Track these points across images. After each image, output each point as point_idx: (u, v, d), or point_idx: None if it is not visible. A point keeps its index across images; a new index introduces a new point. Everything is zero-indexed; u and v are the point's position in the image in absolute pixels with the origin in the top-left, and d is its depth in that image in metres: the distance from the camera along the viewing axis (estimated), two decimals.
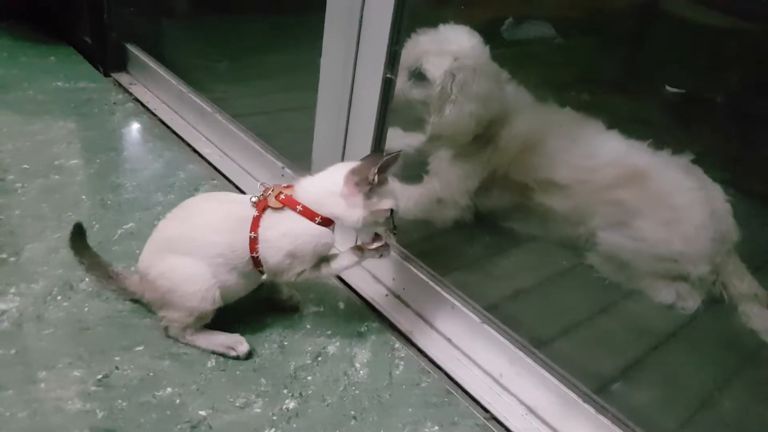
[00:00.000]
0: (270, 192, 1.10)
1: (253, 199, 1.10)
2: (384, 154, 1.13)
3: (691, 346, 1.47)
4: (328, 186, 1.08)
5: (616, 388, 1.26)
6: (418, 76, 1.52)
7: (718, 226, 1.55)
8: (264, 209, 1.09)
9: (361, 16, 1.22)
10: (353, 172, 1.06)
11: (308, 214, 1.08)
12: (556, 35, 2.66)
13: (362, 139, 1.31)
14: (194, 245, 1.08)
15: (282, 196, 1.09)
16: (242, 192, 1.62)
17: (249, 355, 1.13)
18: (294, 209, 1.08)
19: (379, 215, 1.09)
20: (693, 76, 2.30)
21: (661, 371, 1.36)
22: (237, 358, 1.12)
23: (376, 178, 1.05)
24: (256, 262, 1.09)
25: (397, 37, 1.21)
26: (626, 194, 1.58)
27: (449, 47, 1.54)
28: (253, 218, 1.08)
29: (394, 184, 1.12)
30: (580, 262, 1.62)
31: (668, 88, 2.46)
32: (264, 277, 1.13)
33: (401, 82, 1.50)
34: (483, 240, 1.72)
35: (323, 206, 1.08)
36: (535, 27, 2.69)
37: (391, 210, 1.11)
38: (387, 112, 1.29)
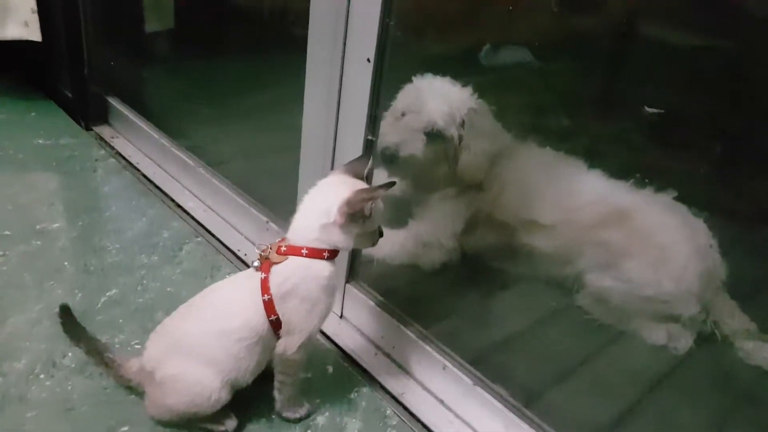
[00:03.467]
0: (269, 250, 1.08)
1: (255, 264, 1.08)
2: (368, 158, 1.14)
3: (686, 388, 1.45)
4: (320, 219, 1.04)
5: None
6: (432, 135, 1.56)
7: (705, 263, 1.55)
8: (270, 268, 1.06)
9: (341, 80, 1.22)
10: (348, 204, 1.01)
11: (315, 253, 1.04)
12: (533, 60, 2.68)
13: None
14: (204, 347, 1.05)
15: (283, 248, 1.06)
16: (227, 248, 1.61)
17: (236, 431, 1.11)
18: (300, 255, 1.04)
19: (369, 235, 1.08)
20: (672, 96, 2.32)
21: (657, 416, 1.34)
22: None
23: (372, 212, 1.03)
24: (275, 326, 1.06)
25: (377, 100, 1.21)
26: (611, 234, 1.59)
27: (452, 99, 1.59)
28: (261, 281, 1.05)
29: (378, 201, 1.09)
30: (569, 303, 1.62)
31: (647, 108, 2.48)
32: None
33: (417, 145, 1.54)
34: (471, 282, 1.72)
35: (324, 241, 1.05)
36: (512, 52, 2.70)
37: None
38: (371, 175, 1.28)
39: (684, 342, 1.53)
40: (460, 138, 1.59)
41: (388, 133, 1.55)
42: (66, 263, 1.46)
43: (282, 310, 1.04)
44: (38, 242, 1.52)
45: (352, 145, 1.25)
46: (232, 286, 1.11)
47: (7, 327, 1.26)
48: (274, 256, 1.06)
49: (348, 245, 1.06)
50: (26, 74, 2.35)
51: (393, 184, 1.03)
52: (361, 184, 1.07)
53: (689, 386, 1.46)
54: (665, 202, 1.67)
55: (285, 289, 1.04)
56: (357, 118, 1.22)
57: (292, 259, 1.05)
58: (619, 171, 1.70)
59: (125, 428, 1.09)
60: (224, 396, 1.05)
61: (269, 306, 1.04)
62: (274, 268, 1.05)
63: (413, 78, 1.63)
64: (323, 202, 1.05)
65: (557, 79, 2.54)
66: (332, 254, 1.06)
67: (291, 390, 1.12)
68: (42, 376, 1.17)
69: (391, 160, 1.55)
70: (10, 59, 2.25)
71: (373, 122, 1.23)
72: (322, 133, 1.29)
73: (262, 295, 1.04)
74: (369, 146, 1.25)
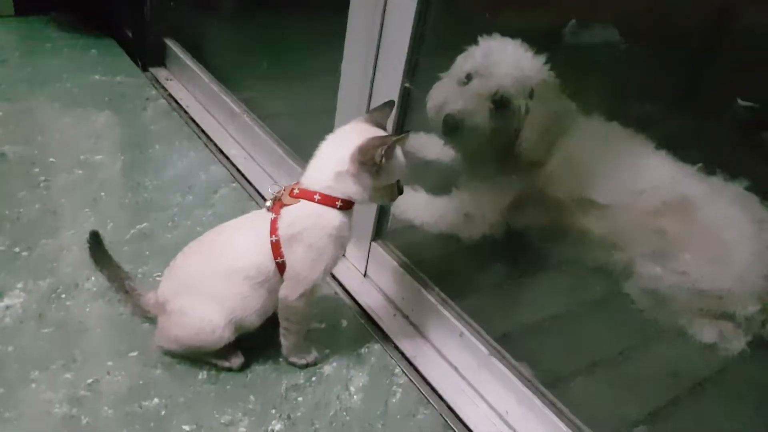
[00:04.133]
0: (282, 191, 1.04)
1: (268, 204, 1.05)
2: (392, 107, 1.07)
3: (730, 393, 1.33)
4: (335, 167, 0.99)
5: None
6: (499, 103, 1.41)
7: None
8: (281, 209, 1.02)
9: (382, 25, 1.16)
10: (360, 151, 0.97)
11: (328, 201, 1.00)
12: (621, 40, 2.52)
13: None
14: (210, 284, 1.03)
15: (296, 191, 1.02)
16: (261, 195, 1.59)
17: (241, 368, 1.09)
18: (312, 200, 1.00)
19: (386, 189, 1.03)
20: None
21: (690, 419, 1.24)
22: (230, 369, 1.09)
23: (383, 160, 0.97)
24: (281, 268, 1.03)
25: (418, 47, 1.14)
26: (671, 223, 1.46)
27: (524, 65, 1.44)
28: (271, 221, 1.02)
29: (399, 153, 1.02)
30: (616, 291, 1.51)
31: (740, 101, 2.30)
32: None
33: (484, 115, 1.41)
34: (511, 260, 1.63)
35: (337, 190, 1.00)
36: (599, 31, 2.56)
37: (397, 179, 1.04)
38: (405, 123, 1.22)
39: (736, 343, 1.40)
40: (527, 110, 1.46)
41: (452, 100, 1.43)
42: (103, 194, 1.48)
43: (288, 254, 1.01)
44: (80, 171, 1.55)
45: (389, 92, 1.19)
46: (242, 224, 1.09)
47: (38, 248, 1.29)
48: (286, 198, 1.02)
49: (362, 197, 1.01)
50: (92, 11, 2.39)
51: (407, 134, 0.97)
52: (380, 133, 1.02)
53: (733, 391, 1.33)
54: (735, 193, 1.53)
55: (292, 231, 1.00)
56: (396, 63, 1.15)
57: (304, 204, 1.01)
58: (694, 160, 1.57)
59: (134, 353, 1.10)
60: (228, 334, 1.03)
61: (276, 247, 1.01)
62: (285, 210, 1.01)
63: (480, 38, 1.49)
64: (339, 149, 1.01)
65: (645, 63, 2.38)
66: (346, 204, 1.01)
67: (294, 337, 1.09)
68: (63, 296, 1.19)
69: (453, 130, 1.42)
70: None
71: (413, 70, 1.16)
72: (359, 77, 1.24)
73: (270, 236, 1.01)
74: (407, 94, 1.18)
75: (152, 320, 1.13)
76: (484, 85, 1.42)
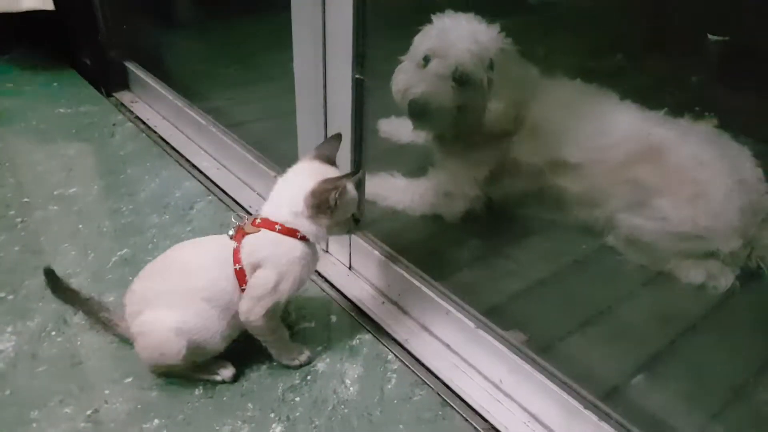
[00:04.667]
0: (245, 221, 1.07)
1: (230, 233, 1.06)
2: (339, 140, 1.10)
3: (724, 330, 1.35)
4: (291, 206, 1.03)
5: (634, 385, 1.18)
6: (459, 81, 1.43)
7: (748, 195, 1.42)
8: (242, 237, 1.05)
9: (324, 18, 1.16)
10: (313, 195, 1.01)
11: (288, 232, 1.03)
12: None
13: (342, 144, 1.25)
14: (169, 302, 1.04)
15: (258, 221, 1.05)
16: (238, 204, 1.60)
17: (235, 379, 1.10)
18: (273, 230, 1.03)
19: (343, 223, 1.07)
20: (737, 22, 2.12)
21: (688, 360, 1.26)
22: (223, 382, 1.10)
23: (337, 202, 1.01)
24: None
25: (363, 38, 1.14)
26: (643, 171, 1.47)
27: (480, 39, 1.45)
28: (234, 250, 1.04)
29: (350, 188, 1.05)
30: (600, 247, 1.53)
31: (710, 36, 2.29)
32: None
33: (448, 95, 1.43)
34: (495, 231, 1.64)
35: (294, 225, 1.03)
36: None
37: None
38: (363, 114, 1.22)
39: (724, 280, 1.42)
40: (490, 82, 1.46)
41: (413, 84, 1.43)
42: (81, 226, 1.49)
43: (250, 281, 1.03)
44: (55, 207, 1.55)
45: (342, 85, 1.19)
46: (201, 245, 1.10)
47: (23, 289, 1.29)
48: (248, 227, 1.04)
49: (319, 235, 1.04)
50: (51, 45, 2.38)
51: (357, 173, 1.00)
52: (330, 171, 1.06)
53: (728, 328, 1.35)
54: (705, 132, 1.54)
55: (255, 258, 1.03)
56: (343, 55, 1.15)
57: (265, 232, 1.03)
58: (670, 105, 1.57)
59: (129, 379, 1.10)
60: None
61: (241, 275, 1.03)
62: (247, 238, 1.04)
63: (433, 17, 1.50)
64: (292, 191, 1.04)
65: (612, 15, 2.36)
66: (306, 237, 1.04)
67: (275, 346, 1.11)
68: (53, 333, 1.19)
69: (420, 114, 1.44)
70: (35, 31, 2.29)
71: (361, 60, 1.16)
72: (312, 74, 1.24)
73: (234, 264, 1.03)
74: (359, 85, 1.18)
75: None
76: (442, 65, 1.43)
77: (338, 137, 1.12)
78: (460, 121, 1.49)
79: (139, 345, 1.07)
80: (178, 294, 1.04)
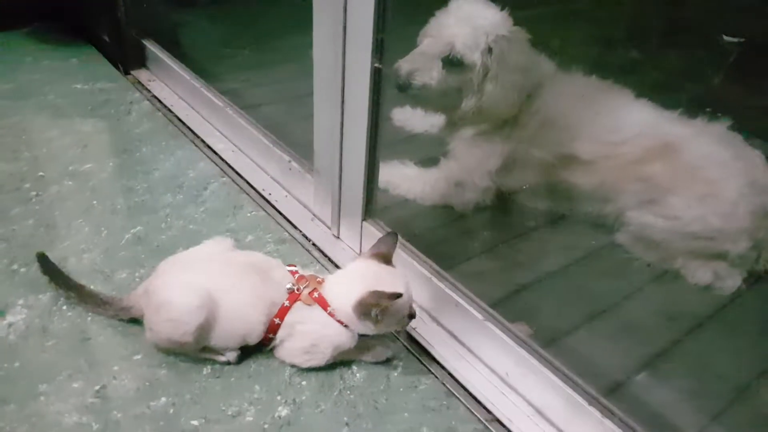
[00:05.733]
0: (306, 283, 1.11)
1: (288, 286, 1.10)
2: (396, 237, 1.14)
3: (729, 331, 1.36)
4: (346, 300, 1.07)
5: (638, 382, 1.19)
6: (451, 62, 1.45)
7: (759, 198, 1.41)
8: (295, 302, 1.09)
9: (345, 6, 1.15)
10: (359, 305, 1.04)
11: (338, 320, 1.09)
12: None
13: (357, 132, 1.26)
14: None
15: (315, 294, 1.09)
16: (252, 187, 1.61)
17: (239, 361, 1.12)
18: (325, 310, 1.08)
19: (392, 324, 1.10)
20: (754, 22, 2.09)
21: (690, 360, 1.26)
22: (228, 363, 1.11)
23: (379, 316, 1.05)
24: (266, 338, 1.10)
25: (382, 25, 1.13)
26: (655, 169, 1.47)
27: (478, 23, 1.45)
28: (283, 306, 1.08)
29: (396, 305, 1.07)
30: (608, 243, 1.53)
31: (725, 37, 2.26)
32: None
33: (433, 74, 1.45)
34: (505, 223, 1.65)
35: (345, 318, 1.08)
36: None
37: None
38: (380, 102, 1.22)
39: (731, 282, 1.42)
40: (486, 68, 1.48)
41: (405, 60, 1.46)
42: (95, 202, 1.50)
43: (283, 338, 1.10)
44: (70, 182, 1.56)
45: (361, 74, 1.19)
46: (253, 275, 1.12)
47: (35, 263, 1.30)
48: (305, 296, 1.09)
49: (369, 332, 1.09)
50: (70, 21, 2.39)
51: (399, 295, 1.02)
52: (384, 276, 1.08)
53: (733, 329, 1.36)
54: (718, 133, 1.53)
55: (300, 328, 1.09)
56: (363, 43, 1.15)
57: (318, 310, 1.09)
58: (683, 104, 1.56)
59: (138, 356, 1.12)
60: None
61: (274, 327, 1.09)
62: (299, 305, 1.09)
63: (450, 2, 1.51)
64: (345, 290, 1.08)
65: (627, 8, 2.34)
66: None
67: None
68: (64, 308, 1.21)
69: (403, 88, 1.46)
70: (55, 6, 2.30)
71: (380, 48, 1.16)
72: (331, 61, 1.23)
73: (275, 317, 1.08)
74: (377, 74, 1.18)
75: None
76: (432, 45, 1.46)
77: (394, 236, 1.14)
78: (455, 102, 1.52)
79: (155, 317, 1.09)
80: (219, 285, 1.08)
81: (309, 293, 1.09)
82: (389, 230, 1.34)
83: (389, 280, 1.07)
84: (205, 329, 1.05)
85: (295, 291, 1.09)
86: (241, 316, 1.08)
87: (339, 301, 1.08)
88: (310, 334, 1.09)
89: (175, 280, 1.10)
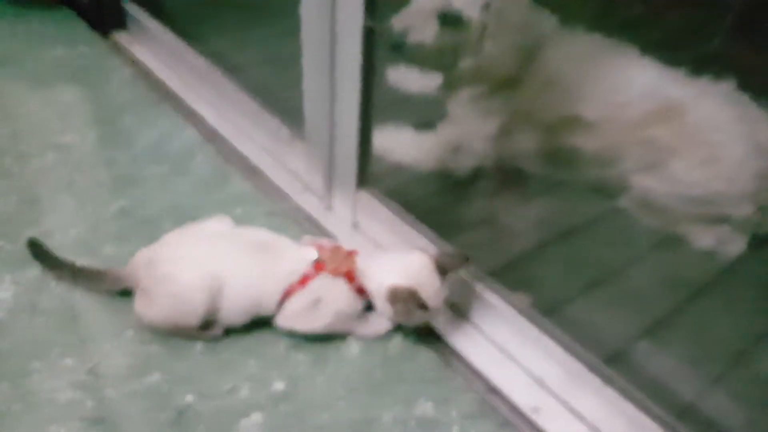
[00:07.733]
0: (332, 253, 1.10)
1: (311, 257, 1.09)
2: (464, 261, 1.10)
3: (731, 296, 1.34)
4: (388, 277, 1.06)
5: (638, 349, 1.18)
6: (448, 19, 1.38)
7: (764, 160, 1.38)
8: (319, 272, 1.08)
9: None
10: (390, 294, 1.04)
11: (360, 291, 1.09)
12: None
13: (349, 95, 1.21)
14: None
15: (344, 269, 1.09)
16: (240, 153, 1.56)
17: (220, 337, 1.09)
18: (351, 282, 1.09)
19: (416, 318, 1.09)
20: None
21: (691, 326, 1.25)
22: (215, 338, 1.08)
23: (400, 310, 1.05)
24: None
25: None
26: (660, 131, 1.43)
27: None
28: (305, 275, 1.07)
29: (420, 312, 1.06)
30: (611, 207, 1.50)
31: None
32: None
33: (429, 31, 1.39)
34: (504, 189, 1.61)
35: (372, 294, 1.09)
36: None
37: None
38: (373, 64, 1.17)
39: (735, 246, 1.40)
40: (485, 25, 1.42)
41: (399, 17, 1.39)
42: (78, 176, 1.45)
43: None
44: (52, 155, 1.51)
45: (351, 34, 1.13)
46: (275, 250, 1.12)
47: (21, 239, 1.26)
48: (331, 267, 1.09)
49: (384, 312, 1.09)
50: None
51: (427, 309, 1.04)
52: (428, 281, 1.06)
53: (735, 294, 1.34)
54: (724, 93, 1.48)
55: (313, 297, 1.07)
56: (353, 0, 1.09)
57: (341, 281, 1.08)
58: (687, 62, 1.51)
59: (129, 332, 1.09)
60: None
61: (287, 294, 1.08)
62: (322, 275, 1.08)
63: None
64: (389, 270, 1.08)
65: None
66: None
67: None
68: (53, 284, 1.17)
69: (397, 48, 1.40)
70: None
71: (371, 6, 1.10)
72: (319, 19, 1.18)
73: (296, 283, 1.07)
74: (369, 34, 1.13)
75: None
76: (427, 0, 1.39)
77: (465, 259, 1.10)
78: (453, 61, 1.45)
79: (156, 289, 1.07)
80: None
81: (336, 267, 1.08)
82: (386, 199, 1.32)
83: (432, 290, 1.06)
84: (209, 312, 1.05)
85: (320, 263, 1.09)
86: (251, 293, 1.07)
87: (380, 274, 1.08)
88: (314, 291, 1.07)
89: (185, 255, 1.09)
